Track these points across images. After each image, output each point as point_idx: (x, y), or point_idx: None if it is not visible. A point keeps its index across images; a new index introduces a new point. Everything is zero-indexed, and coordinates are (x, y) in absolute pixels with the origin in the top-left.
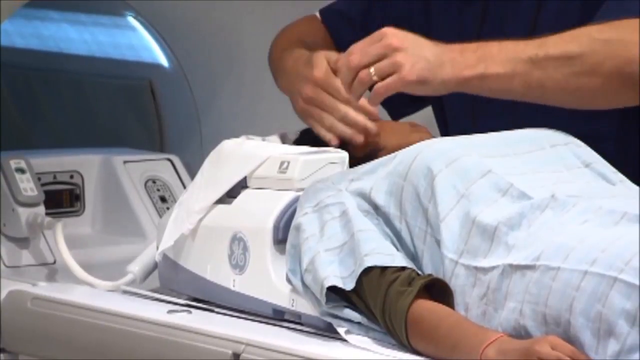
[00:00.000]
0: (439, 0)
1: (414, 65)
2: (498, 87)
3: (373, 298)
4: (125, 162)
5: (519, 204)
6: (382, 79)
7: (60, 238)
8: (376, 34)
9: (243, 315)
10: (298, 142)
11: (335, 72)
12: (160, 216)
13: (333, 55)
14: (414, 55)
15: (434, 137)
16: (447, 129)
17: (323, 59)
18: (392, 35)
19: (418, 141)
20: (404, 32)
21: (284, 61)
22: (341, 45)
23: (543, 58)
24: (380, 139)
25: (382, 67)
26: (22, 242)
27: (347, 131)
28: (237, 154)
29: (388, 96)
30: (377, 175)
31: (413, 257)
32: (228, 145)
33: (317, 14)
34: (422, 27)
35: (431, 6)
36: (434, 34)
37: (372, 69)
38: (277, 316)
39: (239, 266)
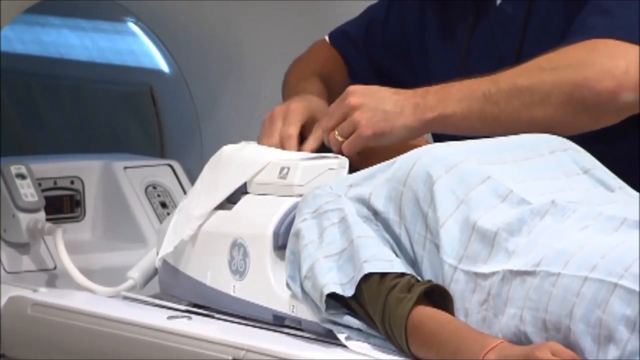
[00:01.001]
0: (432, 20)
1: (370, 119)
2: (458, 125)
3: (373, 305)
4: (125, 167)
5: (518, 209)
6: (346, 138)
7: (60, 244)
8: (343, 94)
9: (243, 321)
10: None
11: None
12: (161, 222)
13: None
14: (371, 109)
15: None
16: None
17: (298, 119)
18: (352, 93)
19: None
20: (367, 88)
21: (290, 91)
22: (354, 67)
23: (495, 93)
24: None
25: (343, 127)
26: (22, 247)
27: None
28: (237, 160)
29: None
30: (376, 181)
31: (413, 262)
32: (228, 151)
33: (326, 38)
34: (418, 45)
35: (426, 26)
36: (430, 52)
37: (336, 131)
38: (278, 322)
39: (239, 272)
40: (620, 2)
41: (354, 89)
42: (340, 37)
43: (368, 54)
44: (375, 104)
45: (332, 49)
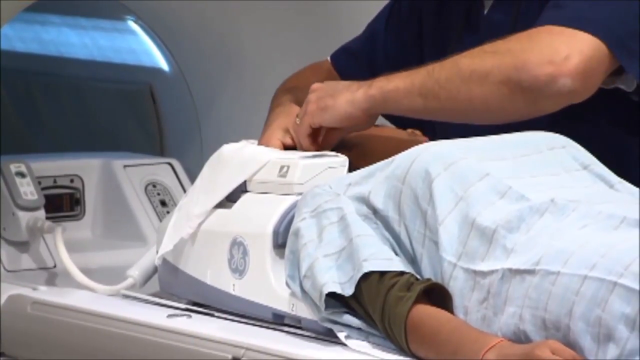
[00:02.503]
0: (428, 30)
1: (319, 98)
2: (399, 99)
3: (372, 303)
4: (125, 166)
5: (517, 206)
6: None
7: (60, 242)
8: None
9: (243, 320)
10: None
11: None
12: (161, 220)
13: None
14: (323, 91)
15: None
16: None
17: (276, 134)
18: (312, 88)
19: None
20: (327, 82)
21: (272, 103)
22: (350, 78)
23: (438, 70)
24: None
25: (300, 111)
26: (22, 246)
27: None
28: (236, 158)
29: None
30: (375, 179)
31: (412, 260)
32: (228, 150)
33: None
34: (415, 55)
35: (422, 36)
36: (426, 62)
37: (297, 118)
38: (277, 320)
39: (238, 270)
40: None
41: (315, 85)
42: (339, 52)
43: (368, 62)
44: (330, 86)
45: (328, 66)
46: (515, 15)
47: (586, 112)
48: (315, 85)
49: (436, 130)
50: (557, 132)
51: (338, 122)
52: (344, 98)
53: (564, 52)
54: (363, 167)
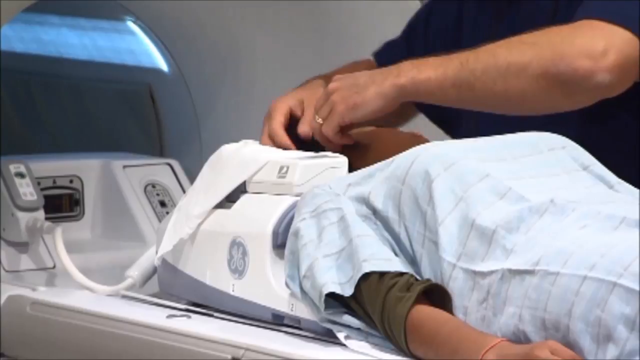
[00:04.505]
0: (468, 19)
1: (344, 96)
2: (431, 91)
3: (372, 304)
4: (124, 166)
5: (517, 207)
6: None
7: (59, 242)
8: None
9: (242, 320)
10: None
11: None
12: (160, 221)
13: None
14: (346, 87)
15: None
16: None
17: (280, 114)
18: (333, 80)
19: None
20: (347, 74)
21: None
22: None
23: (472, 61)
24: (378, 146)
25: (322, 110)
26: (21, 246)
27: None
28: (236, 159)
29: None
30: (375, 180)
31: (412, 261)
32: (227, 150)
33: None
34: (454, 44)
35: (462, 26)
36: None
37: (316, 115)
38: (277, 321)
39: (238, 271)
40: None
41: (335, 77)
42: (381, 48)
43: (408, 49)
44: (350, 82)
45: (367, 62)
46: (555, 1)
47: (618, 106)
48: (334, 85)
49: (462, 119)
50: (585, 126)
51: (371, 117)
52: (373, 92)
53: (603, 47)
54: (363, 167)
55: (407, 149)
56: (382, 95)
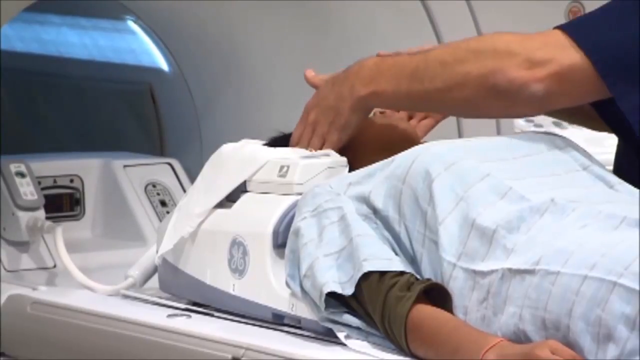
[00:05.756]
0: None
1: (329, 123)
2: (389, 102)
3: (372, 303)
4: (125, 166)
5: (517, 206)
6: (320, 148)
7: (60, 242)
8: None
9: (243, 320)
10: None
11: None
12: (160, 220)
13: None
14: (323, 115)
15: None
16: None
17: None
18: (304, 111)
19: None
20: (313, 98)
21: None
22: None
23: (422, 70)
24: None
25: (313, 142)
26: (22, 246)
27: None
28: (236, 158)
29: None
30: (375, 179)
31: (412, 260)
32: (228, 149)
33: None
34: None
35: None
36: None
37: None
38: (277, 320)
39: (238, 270)
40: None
41: (305, 107)
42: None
43: None
44: (324, 105)
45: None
46: None
47: None
48: (312, 117)
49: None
50: None
51: (357, 129)
52: (347, 108)
53: (544, 57)
54: (361, 159)
55: (398, 143)
56: (355, 109)
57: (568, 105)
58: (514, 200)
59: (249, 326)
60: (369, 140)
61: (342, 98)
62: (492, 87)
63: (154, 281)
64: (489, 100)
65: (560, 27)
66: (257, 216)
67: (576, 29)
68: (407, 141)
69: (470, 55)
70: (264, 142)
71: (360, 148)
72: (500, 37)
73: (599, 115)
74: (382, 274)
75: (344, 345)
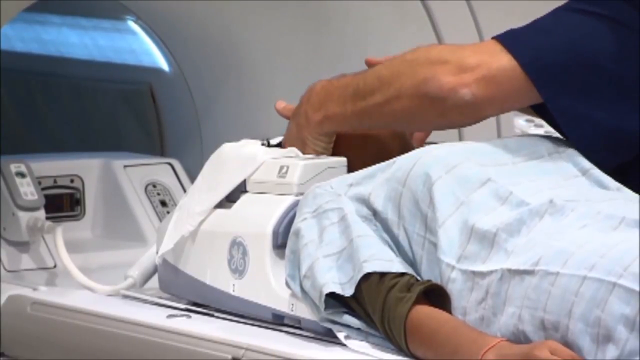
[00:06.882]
0: None
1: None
2: (341, 124)
3: (372, 304)
4: (125, 166)
5: (517, 210)
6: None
7: (60, 242)
8: None
9: (243, 320)
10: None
11: None
12: (161, 220)
13: None
14: (296, 146)
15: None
16: None
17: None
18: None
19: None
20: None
21: None
22: None
23: (362, 88)
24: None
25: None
26: (22, 246)
27: None
28: (236, 158)
29: None
30: (376, 181)
31: (411, 263)
32: (228, 148)
33: None
34: None
35: None
36: None
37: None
38: (277, 321)
39: (238, 271)
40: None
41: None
42: None
43: None
44: (291, 138)
45: None
46: None
47: None
48: (284, 137)
49: None
50: None
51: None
52: (309, 135)
53: (473, 63)
54: (360, 162)
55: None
56: (315, 135)
57: (500, 112)
58: (515, 205)
59: (248, 326)
60: (363, 148)
61: (301, 128)
62: (425, 95)
63: (154, 281)
64: (424, 108)
65: (495, 37)
66: (257, 216)
67: (509, 36)
68: (402, 146)
69: (405, 67)
70: (263, 141)
71: (356, 152)
72: (434, 48)
73: (542, 118)
74: (382, 275)
75: (344, 345)
